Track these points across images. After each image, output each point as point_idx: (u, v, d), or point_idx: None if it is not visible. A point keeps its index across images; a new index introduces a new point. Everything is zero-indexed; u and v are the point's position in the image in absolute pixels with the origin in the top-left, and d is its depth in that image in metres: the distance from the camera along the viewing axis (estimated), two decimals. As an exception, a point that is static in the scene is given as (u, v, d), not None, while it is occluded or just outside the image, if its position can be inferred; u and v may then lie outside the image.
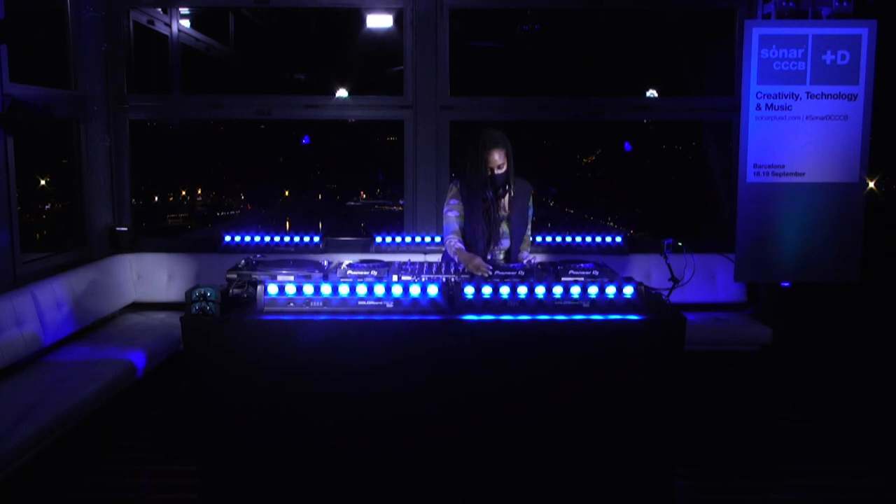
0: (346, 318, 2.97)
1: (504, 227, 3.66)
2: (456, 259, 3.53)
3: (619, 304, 3.02)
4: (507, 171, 3.56)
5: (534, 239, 5.03)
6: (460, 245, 3.57)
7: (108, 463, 3.73)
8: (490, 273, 3.27)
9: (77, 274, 4.50)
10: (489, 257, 3.66)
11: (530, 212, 3.77)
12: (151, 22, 5.66)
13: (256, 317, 2.98)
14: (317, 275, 3.25)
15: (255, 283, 3.15)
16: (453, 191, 3.67)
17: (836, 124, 4.44)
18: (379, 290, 3.01)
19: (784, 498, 3.49)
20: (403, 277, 3.15)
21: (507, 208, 3.66)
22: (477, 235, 3.58)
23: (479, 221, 3.57)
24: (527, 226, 3.76)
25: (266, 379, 2.98)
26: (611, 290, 3.03)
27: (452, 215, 3.64)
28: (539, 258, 3.82)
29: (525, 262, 3.68)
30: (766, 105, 4.45)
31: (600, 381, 2.99)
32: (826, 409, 4.46)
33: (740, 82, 4.66)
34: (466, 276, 3.29)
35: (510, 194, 3.64)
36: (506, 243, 3.69)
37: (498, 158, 3.52)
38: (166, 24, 5.86)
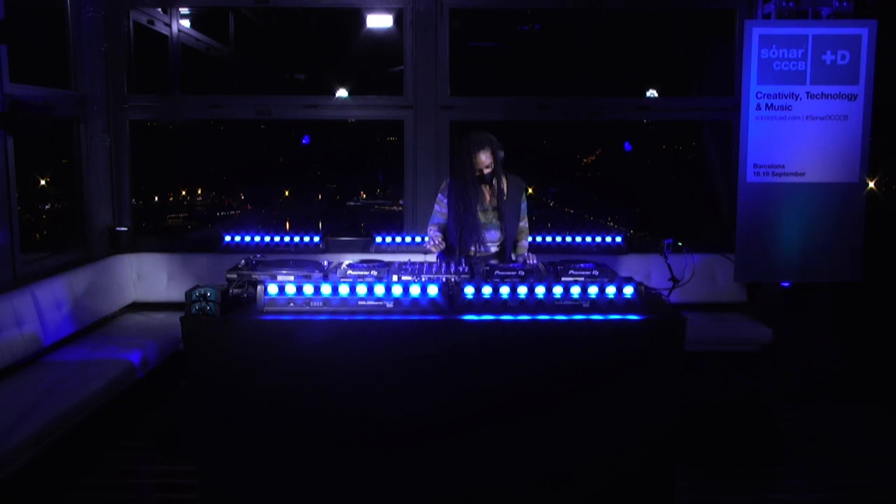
0: (346, 318, 2.97)
1: (495, 220, 3.88)
2: (429, 244, 3.82)
3: (619, 304, 3.02)
4: (494, 169, 3.79)
5: (533, 238, 5.06)
6: (437, 234, 3.89)
7: (108, 463, 3.73)
8: (439, 247, 3.73)
9: (77, 274, 4.50)
10: (475, 249, 3.87)
11: (524, 206, 3.99)
12: (151, 22, 5.66)
13: (256, 317, 2.98)
14: (317, 275, 3.26)
15: (255, 283, 3.15)
16: (443, 186, 3.94)
17: (836, 124, 4.44)
18: (379, 290, 3.01)
19: (784, 498, 3.49)
20: (403, 277, 3.15)
21: (498, 202, 3.88)
22: (465, 232, 3.82)
23: (466, 220, 3.81)
24: (520, 219, 3.98)
25: (266, 379, 2.98)
26: (611, 290, 3.03)
27: (437, 209, 3.96)
28: (535, 259, 3.86)
29: (525, 260, 3.81)
30: (766, 105, 4.45)
31: (600, 381, 2.99)
32: (826, 409, 4.46)
33: (740, 82, 4.66)
34: (466, 275, 3.30)
35: (503, 189, 3.87)
36: (494, 235, 3.89)
37: (485, 159, 3.75)
38: (166, 24, 5.85)
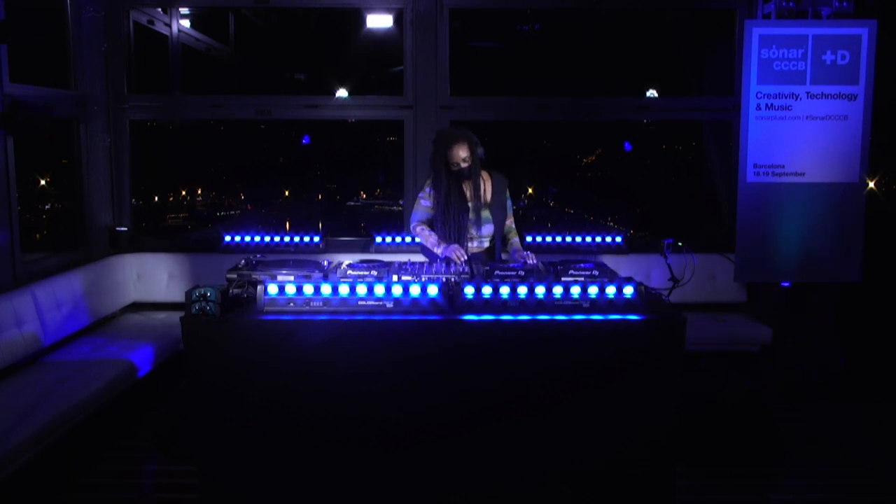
0: (346, 318, 2.97)
1: (485, 214, 3.83)
2: (428, 244, 3.76)
3: (619, 304, 3.02)
4: (472, 164, 3.74)
5: (533, 238, 5.06)
6: (430, 233, 3.80)
7: (108, 463, 3.73)
8: (465, 259, 3.55)
9: (77, 274, 4.50)
10: (466, 245, 3.83)
11: (508, 203, 3.96)
12: (151, 22, 5.66)
13: (256, 317, 2.98)
14: (317, 275, 3.25)
15: (255, 283, 3.15)
16: (428, 182, 3.87)
17: (836, 124, 4.44)
18: (379, 290, 3.01)
19: (784, 498, 3.49)
20: (403, 277, 3.15)
21: (484, 198, 3.84)
22: (450, 229, 3.77)
23: (451, 216, 3.75)
24: (507, 216, 3.95)
25: (266, 379, 2.98)
26: (611, 290, 3.03)
27: (425, 204, 3.86)
28: (535, 259, 3.82)
29: (522, 257, 3.76)
30: (766, 105, 4.45)
31: (600, 381, 2.99)
32: (826, 409, 4.46)
33: (740, 82, 4.66)
34: (466, 275, 3.29)
35: (480, 185, 3.83)
36: (486, 230, 3.85)
37: (461, 153, 3.70)
38: (166, 24, 5.85)
